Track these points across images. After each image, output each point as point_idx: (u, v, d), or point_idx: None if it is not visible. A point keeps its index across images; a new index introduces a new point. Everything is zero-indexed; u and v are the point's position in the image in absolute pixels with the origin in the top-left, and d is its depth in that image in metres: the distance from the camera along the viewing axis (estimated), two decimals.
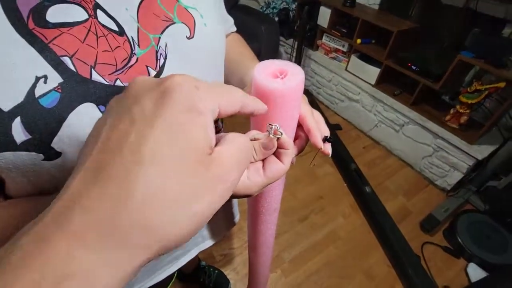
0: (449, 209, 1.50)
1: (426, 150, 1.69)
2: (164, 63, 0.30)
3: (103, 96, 0.25)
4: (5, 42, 0.21)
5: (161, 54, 0.30)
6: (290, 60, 2.22)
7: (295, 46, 2.12)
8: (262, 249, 0.54)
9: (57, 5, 0.23)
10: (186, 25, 0.32)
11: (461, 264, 1.33)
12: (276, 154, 0.24)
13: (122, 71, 0.27)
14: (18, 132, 0.22)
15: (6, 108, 0.21)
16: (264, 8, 2.44)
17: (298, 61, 2.20)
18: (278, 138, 0.23)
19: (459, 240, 1.36)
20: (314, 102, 2.22)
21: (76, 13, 0.24)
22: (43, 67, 0.22)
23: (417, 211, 1.55)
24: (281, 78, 0.26)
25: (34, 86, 0.22)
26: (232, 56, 0.46)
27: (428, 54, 1.65)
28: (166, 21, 0.30)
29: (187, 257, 0.58)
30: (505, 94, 1.39)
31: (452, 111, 1.54)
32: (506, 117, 1.51)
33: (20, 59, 0.21)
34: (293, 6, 2.32)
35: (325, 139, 0.29)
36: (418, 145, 1.72)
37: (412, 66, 1.60)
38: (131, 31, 0.27)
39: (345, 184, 1.67)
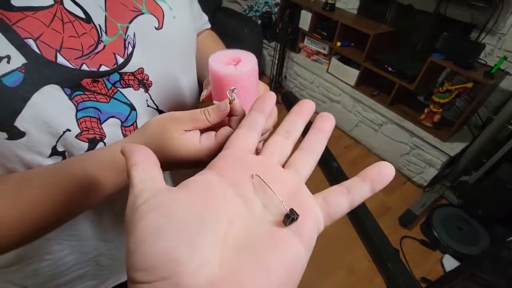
0: (425, 204, 1.57)
1: (403, 148, 1.76)
2: (132, 51, 0.31)
3: (69, 79, 0.26)
4: None
5: (129, 42, 0.31)
6: (273, 62, 2.26)
7: (278, 49, 2.16)
8: None
9: None
10: (155, 16, 0.33)
11: (437, 256, 1.39)
12: (229, 123, 0.26)
13: (89, 57, 0.27)
14: None
15: None
16: (247, 11, 2.48)
17: (281, 64, 2.25)
18: (230, 102, 0.25)
19: (435, 233, 1.42)
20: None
21: None
22: (6, 47, 0.23)
23: (396, 207, 1.61)
24: (234, 65, 0.27)
25: None
26: (204, 52, 0.47)
27: (403, 56, 1.73)
28: (135, 11, 0.31)
29: None
30: (473, 94, 1.48)
31: (426, 110, 1.61)
32: (476, 116, 1.60)
33: None
34: (276, 9, 2.37)
35: None
36: (396, 143, 1.79)
37: (389, 68, 1.67)
38: (98, 19, 0.28)
39: (327, 183, 1.71)
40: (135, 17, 0.31)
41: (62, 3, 0.26)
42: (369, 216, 1.46)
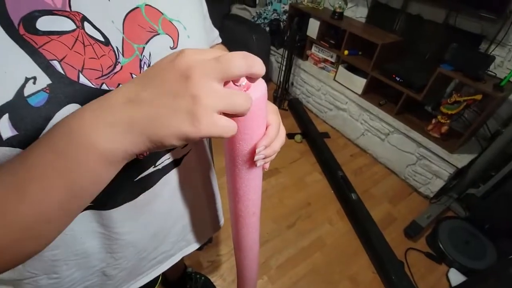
0: (431, 215, 1.55)
1: (410, 159, 1.74)
2: None
3: (89, 98, 0.27)
4: None
5: (144, 62, 0.32)
6: (280, 69, 2.27)
7: (286, 56, 2.17)
8: (246, 253, 0.55)
9: (46, 16, 0.25)
10: (170, 36, 0.34)
11: (442, 270, 1.37)
12: None
13: (108, 77, 0.29)
14: (5, 128, 0.23)
15: None
16: (256, 18, 2.50)
17: (288, 70, 2.26)
18: None
19: (441, 246, 1.40)
20: (303, 111, 2.27)
21: (64, 24, 0.26)
22: (33, 68, 0.24)
23: (402, 218, 1.59)
24: (244, 91, 0.28)
25: (23, 86, 0.23)
26: None
27: (411, 66, 1.73)
28: (151, 32, 0.32)
29: (171, 261, 0.59)
30: (482, 106, 1.46)
31: (433, 121, 1.60)
32: (484, 128, 1.58)
33: (11, 60, 0.23)
34: (284, 17, 2.39)
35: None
36: (402, 153, 1.78)
37: (396, 78, 1.66)
38: (116, 42, 0.29)
39: (332, 191, 1.70)
40: (151, 37, 0.32)
41: (83, 28, 0.27)
42: (374, 227, 1.44)
